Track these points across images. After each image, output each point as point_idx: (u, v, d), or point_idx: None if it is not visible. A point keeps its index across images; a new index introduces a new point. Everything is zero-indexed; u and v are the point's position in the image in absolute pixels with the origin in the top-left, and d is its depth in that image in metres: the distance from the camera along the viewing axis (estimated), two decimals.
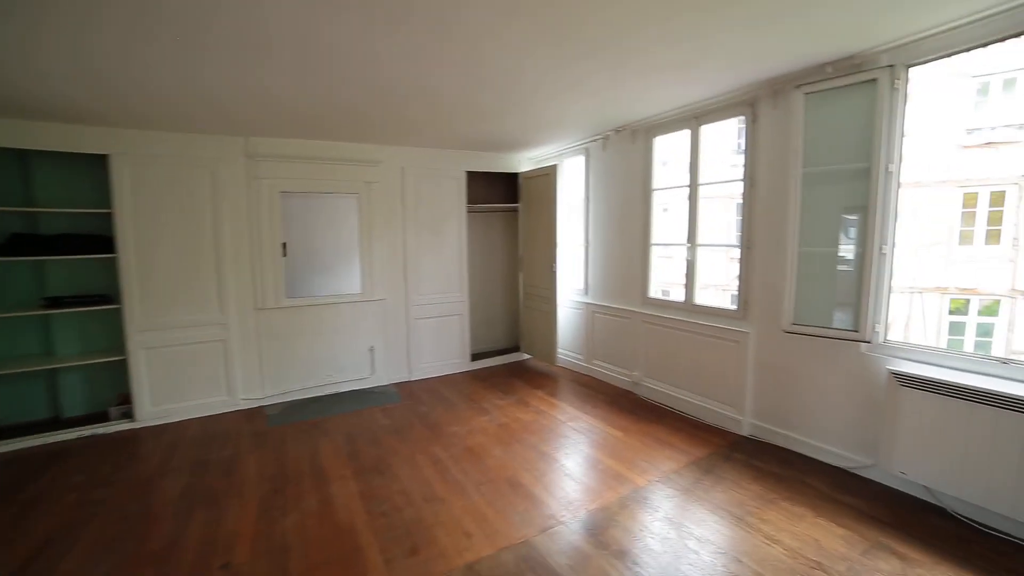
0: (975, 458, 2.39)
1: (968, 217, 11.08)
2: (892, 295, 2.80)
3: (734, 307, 3.59)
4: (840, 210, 2.89)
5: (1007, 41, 2.35)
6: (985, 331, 11.14)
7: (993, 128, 10.59)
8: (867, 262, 2.76)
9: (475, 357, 5.63)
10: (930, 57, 2.61)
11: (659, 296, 4.26)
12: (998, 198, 10.64)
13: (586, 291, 5.10)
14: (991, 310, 11.11)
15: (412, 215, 5.04)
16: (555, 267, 5.02)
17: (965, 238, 11.13)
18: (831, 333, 2.92)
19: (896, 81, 2.69)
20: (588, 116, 4.01)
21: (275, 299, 4.50)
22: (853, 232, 2.85)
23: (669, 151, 4.34)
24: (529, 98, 3.39)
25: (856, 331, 2.82)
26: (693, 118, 3.82)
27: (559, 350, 5.49)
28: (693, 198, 3.86)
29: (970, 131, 10.85)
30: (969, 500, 2.43)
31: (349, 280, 4.98)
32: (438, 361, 5.32)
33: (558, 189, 4.97)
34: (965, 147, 10.94)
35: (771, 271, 3.32)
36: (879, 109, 2.69)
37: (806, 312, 3.05)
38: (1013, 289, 10.36)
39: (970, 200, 11.05)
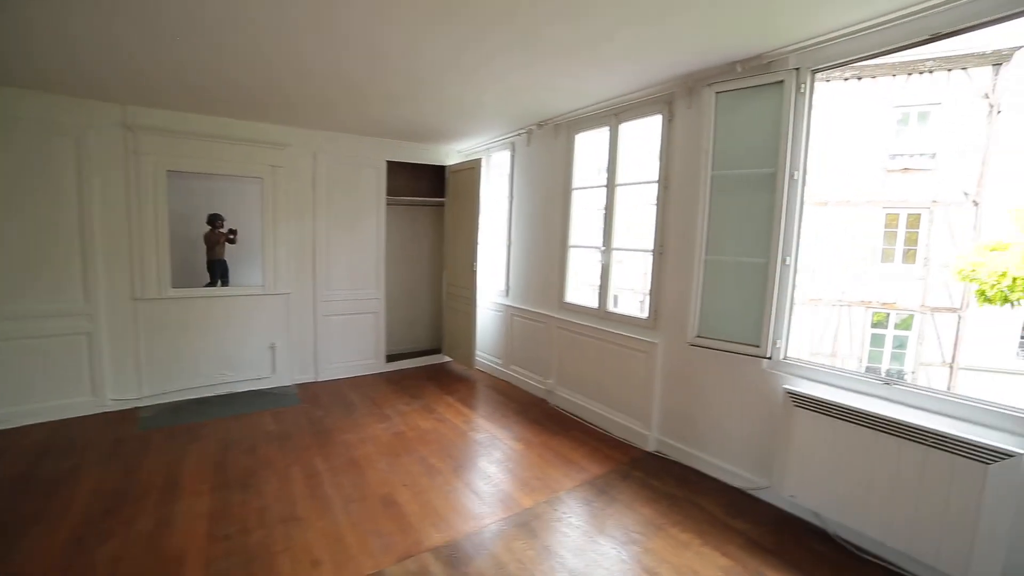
0: (856, 481, 2.23)
1: (890, 236, 11.59)
2: (794, 309, 2.63)
3: (645, 316, 3.38)
4: (748, 218, 2.70)
5: (905, 51, 2.23)
6: (900, 343, 11.69)
7: (911, 156, 11.11)
8: (769, 274, 2.58)
9: (392, 358, 5.24)
10: (834, 63, 2.46)
11: (576, 301, 4.01)
12: (915, 220, 11.18)
13: (507, 293, 4.81)
14: (906, 323, 11.66)
15: (325, 204, 4.60)
16: (476, 266, 4.71)
17: (887, 256, 11.64)
18: (734, 348, 2.73)
19: (802, 85, 2.52)
20: (506, 106, 3.72)
21: (158, 288, 3.97)
22: (762, 242, 2.67)
23: (599, 150, 4.10)
24: (436, 81, 3.07)
25: (757, 346, 2.64)
26: (613, 115, 3.58)
27: (479, 353, 5.18)
28: (610, 198, 3.62)
29: (892, 156, 11.34)
30: (851, 526, 2.28)
31: (249, 271, 4.49)
32: (349, 361, 4.89)
33: (481, 184, 4.66)
34: (889, 171, 11.41)
35: (681, 279, 3.11)
36: (785, 113, 2.51)
37: (712, 324, 2.85)
38: (923, 305, 10.90)
39: (892, 221, 11.57)
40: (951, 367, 11.05)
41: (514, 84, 3.16)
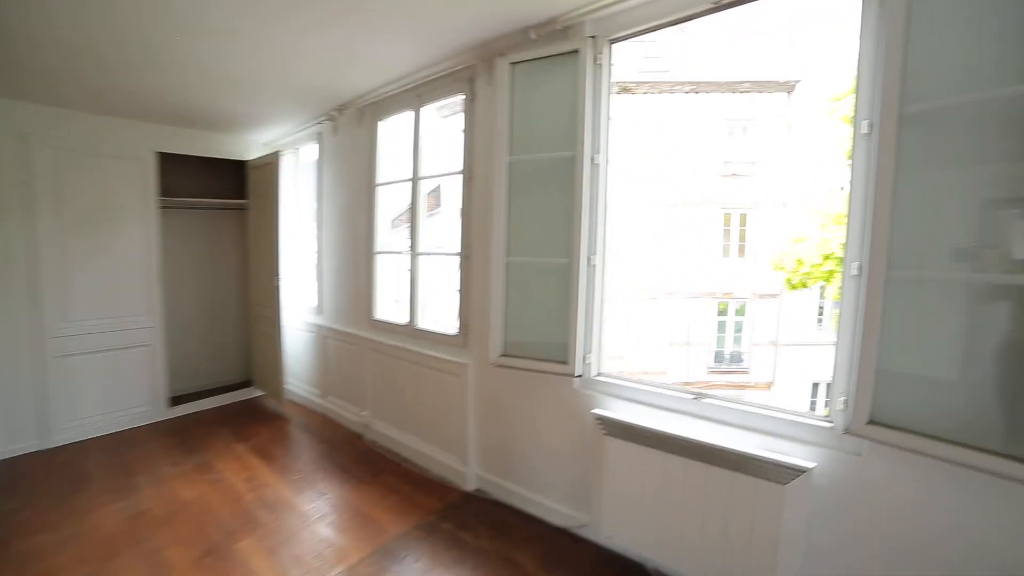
0: (670, 515, 1.85)
1: (727, 234, 12.74)
2: (604, 314, 2.22)
3: (455, 332, 2.81)
4: (549, 210, 2.24)
5: (693, 20, 1.93)
6: (739, 328, 12.91)
7: (738, 163, 12.32)
8: (572, 277, 2.14)
9: (180, 400, 4.09)
10: (629, 31, 2.08)
11: (386, 318, 3.32)
12: (744, 219, 12.41)
13: (320, 310, 3.97)
14: (742, 310, 12.90)
15: (50, 207, 3.35)
16: (278, 280, 3.80)
17: (726, 251, 12.77)
18: (542, 367, 2.25)
19: (599, 55, 2.12)
20: (287, 82, 2.93)
21: None
22: (564, 238, 2.21)
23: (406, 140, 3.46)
24: (182, 47, 2.23)
25: (565, 363, 2.18)
26: (415, 96, 2.97)
27: (295, 384, 4.26)
28: (415, 194, 3.01)
29: (724, 163, 12.47)
30: (670, 566, 1.90)
31: None
32: (106, 413, 3.65)
33: (283, 181, 3.76)
34: (722, 175, 12.51)
35: (485, 287, 2.58)
36: (581, 86, 2.08)
37: (518, 339, 2.34)
38: (754, 293, 12.15)
39: (728, 219, 12.72)
40: (775, 344, 12.47)
41: (285, 51, 2.40)
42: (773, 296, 12.03)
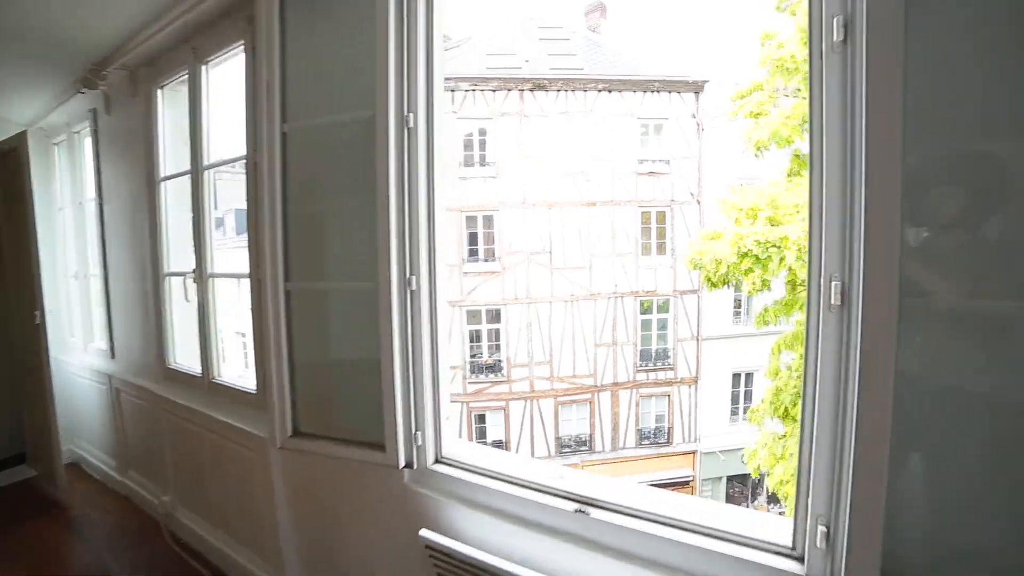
0: None
1: (647, 232, 12.54)
2: (444, 363, 1.39)
3: (255, 388, 1.87)
4: (349, 205, 1.38)
5: None
6: (662, 324, 12.76)
7: (653, 161, 12.16)
8: (382, 308, 1.29)
9: None
10: None
11: (183, 365, 2.29)
12: (662, 217, 12.25)
13: (112, 353, 2.84)
14: (665, 307, 12.78)
15: None
16: (42, 314, 2.64)
17: (646, 249, 12.56)
18: (350, 452, 1.38)
19: None
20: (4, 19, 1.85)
21: None
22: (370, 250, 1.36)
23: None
24: None
25: (382, 447, 1.33)
26: (191, 51, 1.99)
27: (89, 453, 3.09)
28: (197, 189, 2.03)
29: (640, 162, 12.26)
30: None
31: None
32: None
33: (31, 176, 2.60)
34: (639, 174, 12.28)
35: (264, 325, 1.66)
36: (382, 22, 1.25)
37: (318, 405, 1.47)
38: (675, 290, 12.02)
39: (646, 218, 12.52)
40: (697, 339, 12.45)
41: None
42: (694, 292, 11.99)
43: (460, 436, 11.15)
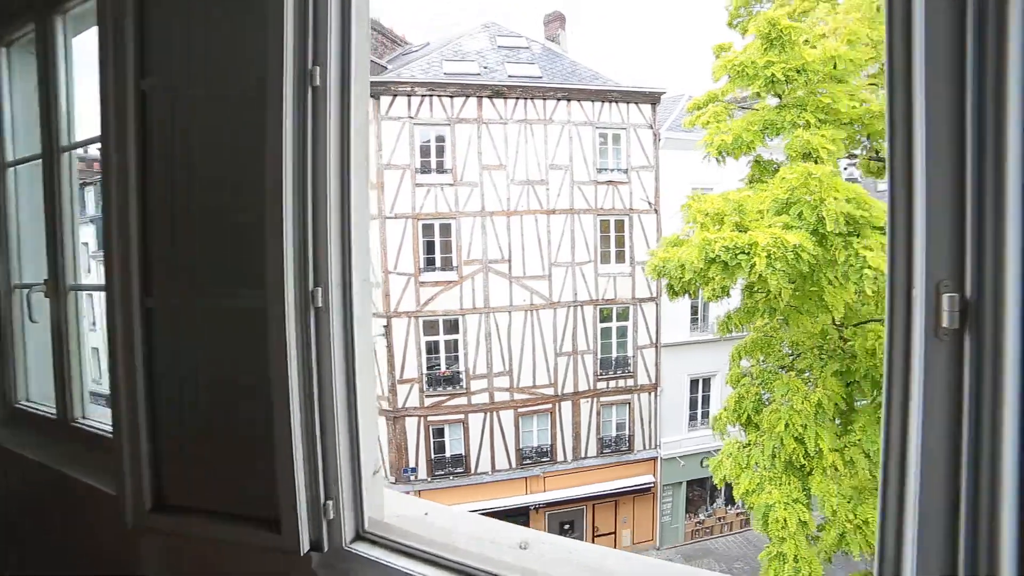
0: None
1: (605, 240, 12.48)
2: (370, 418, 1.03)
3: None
4: (237, 196, 1.01)
5: None
6: (622, 332, 12.70)
7: (612, 170, 12.16)
8: (273, 334, 0.91)
9: None
10: None
11: (39, 404, 1.79)
12: (620, 225, 12.24)
13: None
14: (624, 315, 12.74)
15: None
16: None
17: (606, 257, 12.50)
18: (231, 533, 0.98)
19: None
20: None
21: None
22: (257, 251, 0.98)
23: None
24: None
25: (278, 530, 0.94)
26: None
27: None
28: (50, 176, 1.56)
29: (599, 170, 12.24)
30: None
31: None
32: None
33: None
34: (598, 183, 12.25)
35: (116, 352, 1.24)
36: None
37: (196, 464, 1.06)
38: (634, 298, 12.02)
39: (605, 226, 12.48)
40: (656, 346, 12.47)
41: None
42: (653, 300, 12.01)
43: (405, 472, 10.24)
